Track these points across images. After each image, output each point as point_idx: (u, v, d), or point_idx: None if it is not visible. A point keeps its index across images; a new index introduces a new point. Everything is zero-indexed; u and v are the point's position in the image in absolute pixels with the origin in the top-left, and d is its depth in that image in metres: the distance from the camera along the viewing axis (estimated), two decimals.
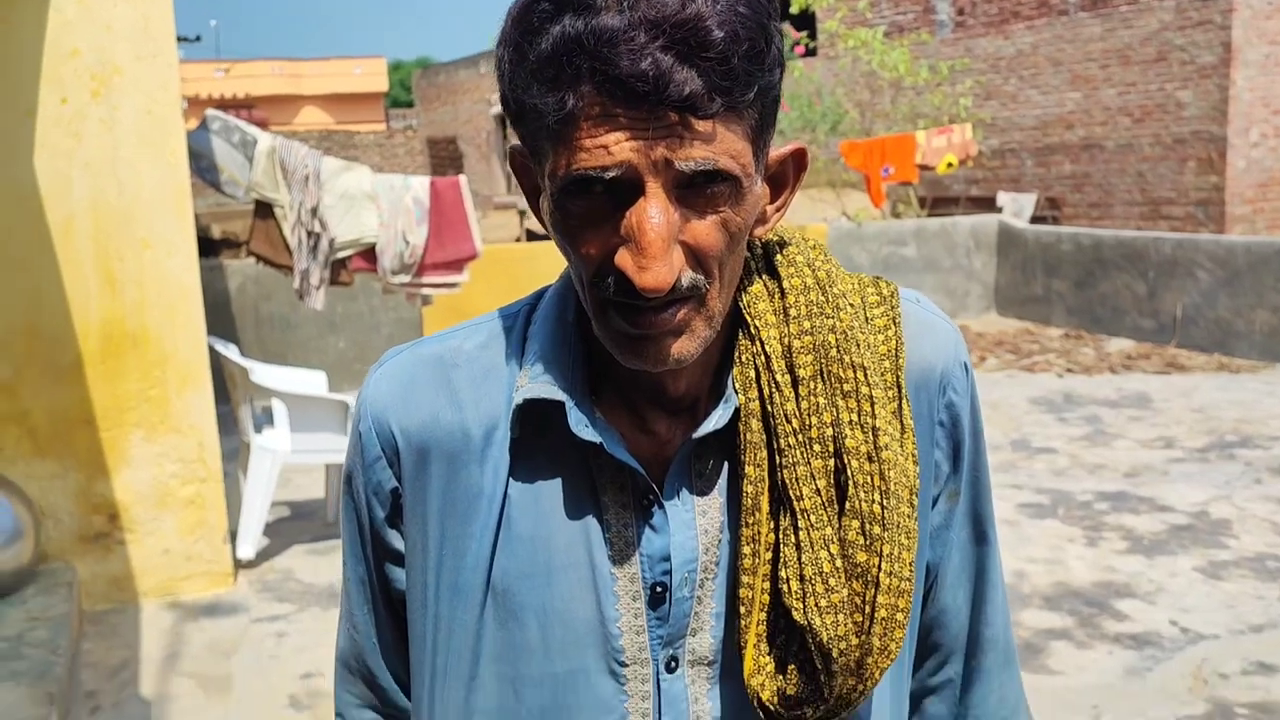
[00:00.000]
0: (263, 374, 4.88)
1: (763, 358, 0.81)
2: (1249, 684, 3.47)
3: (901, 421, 0.83)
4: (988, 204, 14.06)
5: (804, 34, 15.26)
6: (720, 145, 0.71)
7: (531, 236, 13.24)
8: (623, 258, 0.72)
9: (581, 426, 0.80)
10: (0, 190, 3.98)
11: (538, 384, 0.82)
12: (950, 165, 11.03)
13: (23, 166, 3.98)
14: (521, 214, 15.04)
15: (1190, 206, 13.48)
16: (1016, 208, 13.36)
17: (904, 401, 0.83)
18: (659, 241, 0.71)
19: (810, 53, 16.73)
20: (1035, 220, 13.24)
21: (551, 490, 0.84)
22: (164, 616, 4.19)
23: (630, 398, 0.84)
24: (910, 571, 0.80)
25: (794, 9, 14.44)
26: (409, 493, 0.87)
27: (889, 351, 0.84)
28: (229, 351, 4.99)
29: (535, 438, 0.84)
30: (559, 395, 0.81)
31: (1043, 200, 14.51)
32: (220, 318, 7.57)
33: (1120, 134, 14.22)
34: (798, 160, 0.83)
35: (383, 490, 0.88)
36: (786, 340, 0.81)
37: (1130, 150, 14.10)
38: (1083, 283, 10.09)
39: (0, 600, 3.80)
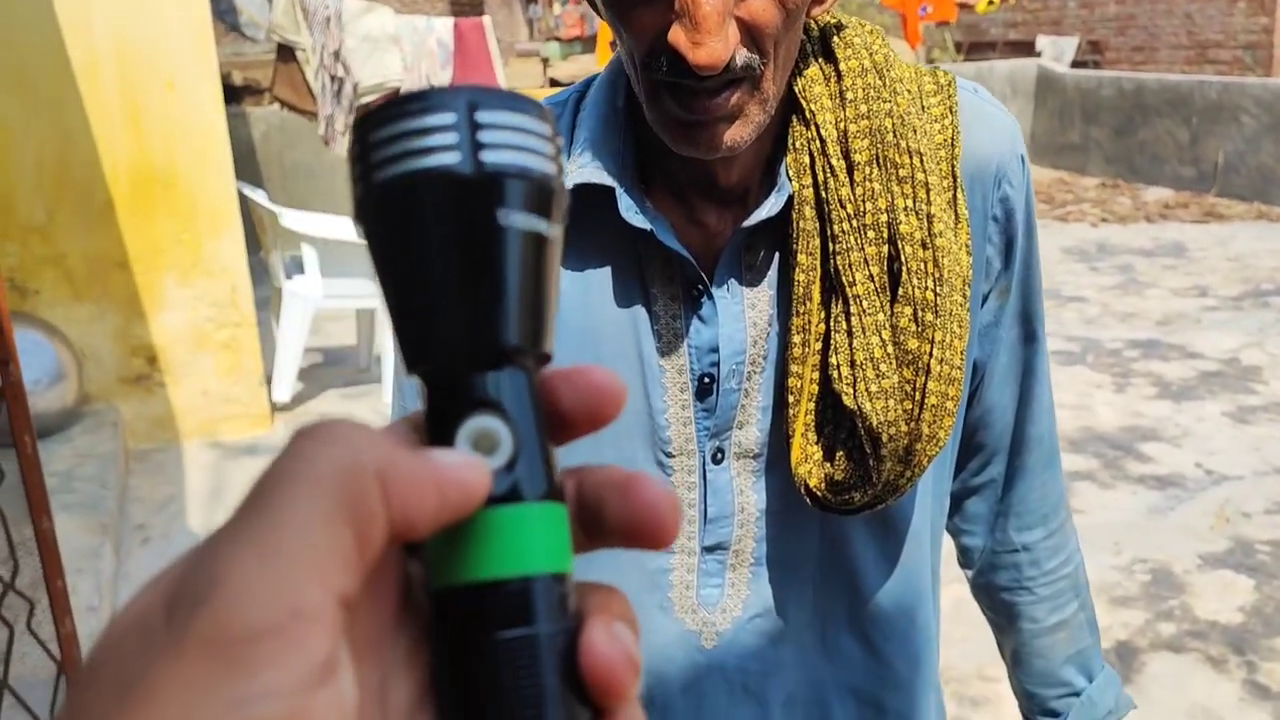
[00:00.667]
0: (292, 219, 4.87)
1: (818, 143, 0.79)
2: (1272, 523, 3.52)
3: (956, 211, 0.81)
4: (1026, 48, 13.59)
5: None
6: None
7: (555, 85, 12.96)
8: (676, 34, 0.70)
9: (631, 213, 0.79)
10: (24, 29, 3.91)
11: (587, 169, 0.81)
12: (991, 3, 10.62)
13: (44, 5, 3.90)
14: (544, 61, 14.69)
15: (1238, 50, 12.98)
16: (1056, 52, 12.90)
17: (959, 191, 0.81)
18: (714, 15, 0.68)
19: None
20: (1076, 65, 12.80)
21: (600, 281, 0.83)
22: (206, 455, 4.31)
23: (680, 188, 0.83)
24: (961, 360, 0.79)
25: None
26: None
27: (945, 140, 0.82)
28: (257, 196, 4.98)
29: (584, 226, 0.82)
30: (609, 180, 0.80)
31: (1084, 44, 14.00)
32: (245, 166, 7.52)
33: None
34: None
35: None
36: (842, 125, 0.79)
37: None
38: (1122, 130, 9.82)
39: (48, 438, 3.91)
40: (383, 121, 0.28)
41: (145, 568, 3.41)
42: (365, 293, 4.92)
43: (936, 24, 11.05)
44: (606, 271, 0.83)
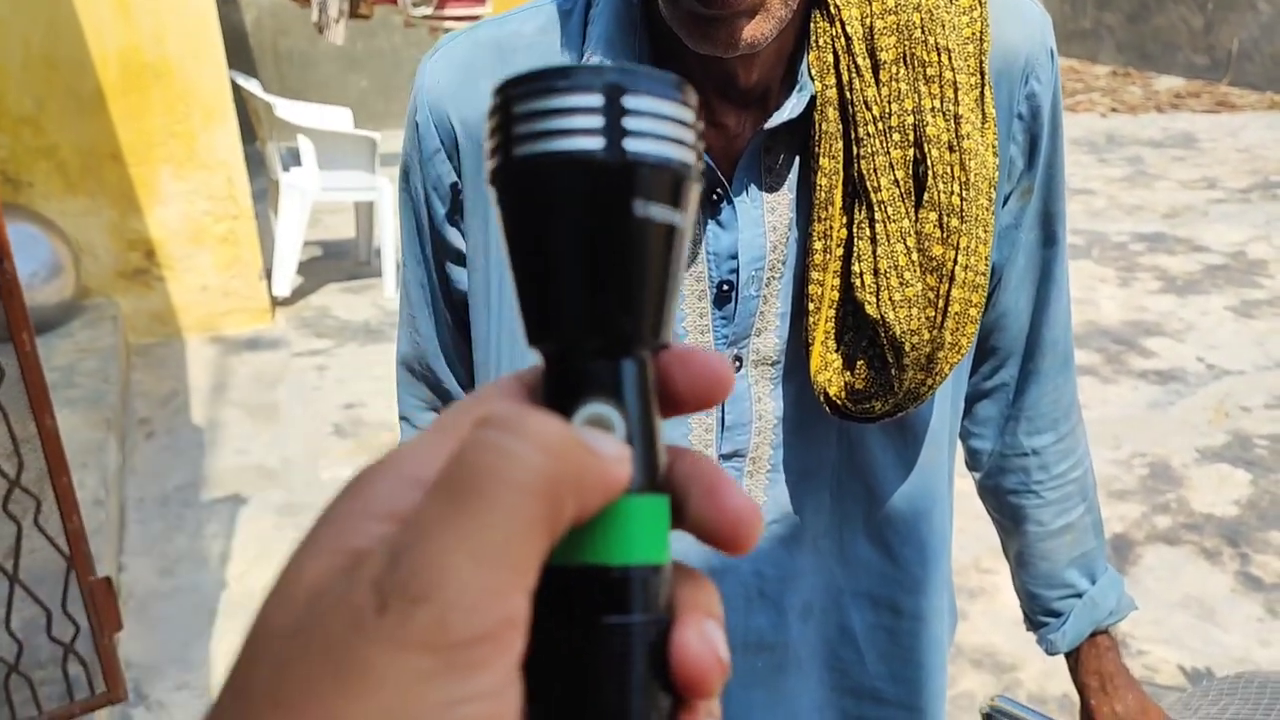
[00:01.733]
0: (287, 110, 4.77)
1: (842, 40, 0.75)
2: (1271, 417, 3.54)
3: (984, 110, 0.78)
4: None
5: None
6: None
7: None
8: None
9: None
10: None
11: None
12: None
13: None
14: None
15: None
16: None
17: (986, 88, 0.78)
18: None
19: None
20: None
21: None
22: (208, 350, 4.31)
23: (698, 88, 0.79)
24: (986, 265, 0.77)
25: None
26: (470, 188, 0.84)
27: (973, 35, 0.78)
28: (251, 86, 4.87)
29: None
30: None
31: None
32: (237, 53, 7.35)
33: None
34: None
35: (442, 185, 0.85)
36: (869, 21, 0.75)
37: None
38: (1135, 15, 9.58)
39: (47, 333, 3.90)
40: (528, 94, 0.28)
41: (150, 461, 3.44)
42: (363, 185, 4.85)
43: None
44: None
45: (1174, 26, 9.24)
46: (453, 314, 0.92)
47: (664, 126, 0.28)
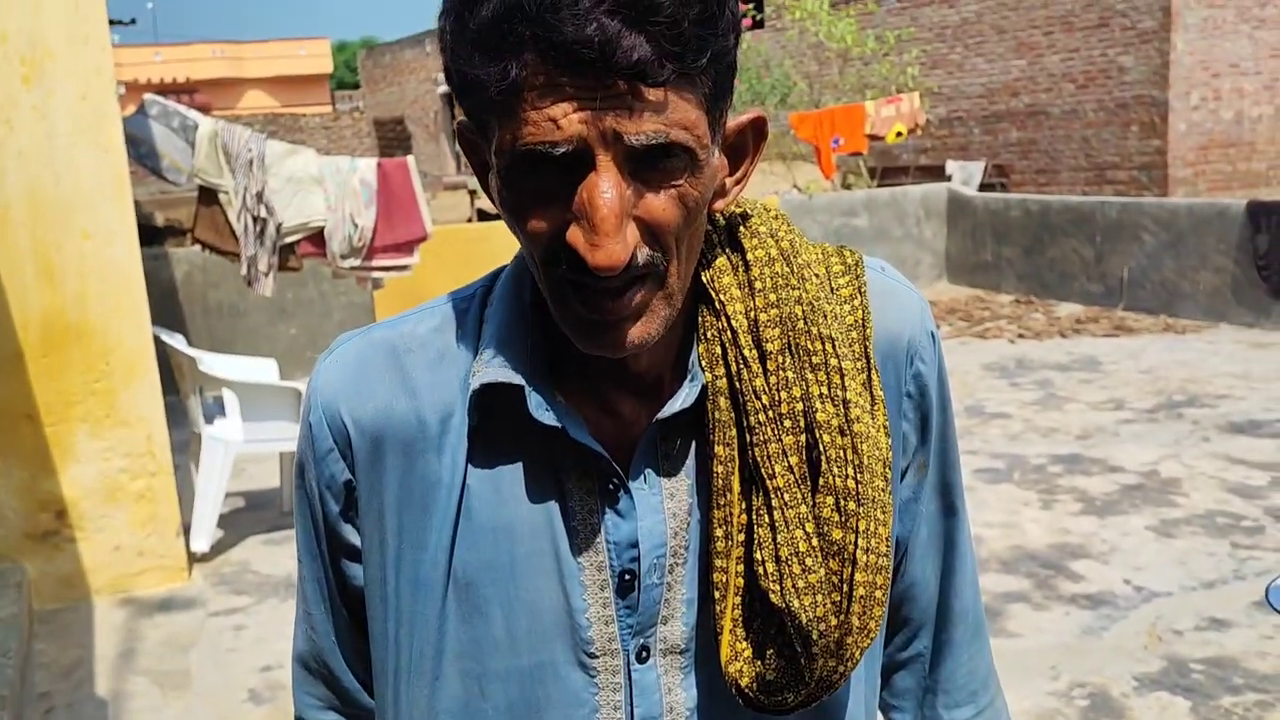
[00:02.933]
0: (212, 363, 4.79)
1: (729, 333, 0.78)
2: (1203, 639, 3.54)
3: (871, 393, 0.81)
4: (937, 173, 14.16)
5: (750, 6, 15.25)
6: (673, 115, 0.68)
7: (483, 216, 13.12)
8: (574, 235, 0.69)
9: (541, 410, 0.77)
10: None
11: (494, 367, 0.79)
12: (899, 135, 11.07)
13: None
14: (472, 194, 14.90)
15: (1134, 170, 13.66)
16: (965, 176, 13.46)
17: (873, 372, 0.81)
18: (611, 218, 0.67)
19: (758, 25, 16.71)
20: (984, 188, 13.35)
21: (513, 477, 0.81)
22: (117, 614, 4.12)
23: (592, 379, 0.81)
24: (887, 547, 0.78)
25: None
26: (364, 485, 0.84)
27: (856, 322, 0.82)
28: (175, 341, 4.89)
29: (494, 423, 0.81)
30: (517, 378, 0.78)
31: (990, 168, 14.64)
32: (167, 307, 7.42)
33: (1065, 100, 14.36)
34: (757, 129, 0.80)
35: (336, 483, 0.85)
36: (753, 314, 0.79)
37: (1075, 116, 14.25)
38: (1032, 249, 10.19)
39: None
40: None
41: None
42: (288, 435, 4.81)
43: (849, 154, 11.47)
44: (519, 469, 0.81)
45: (1068, 257, 9.84)
46: (349, 610, 0.90)
47: None
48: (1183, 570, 4.09)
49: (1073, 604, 3.86)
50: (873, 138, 10.96)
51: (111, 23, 4.41)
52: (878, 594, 0.77)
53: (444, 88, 25.34)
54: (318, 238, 5.79)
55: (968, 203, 10.91)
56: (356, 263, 5.92)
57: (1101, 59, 13.83)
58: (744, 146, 0.80)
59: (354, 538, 0.86)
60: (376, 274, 6.02)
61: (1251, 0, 13.56)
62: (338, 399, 0.83)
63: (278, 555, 4.68)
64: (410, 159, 6.15)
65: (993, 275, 10.58)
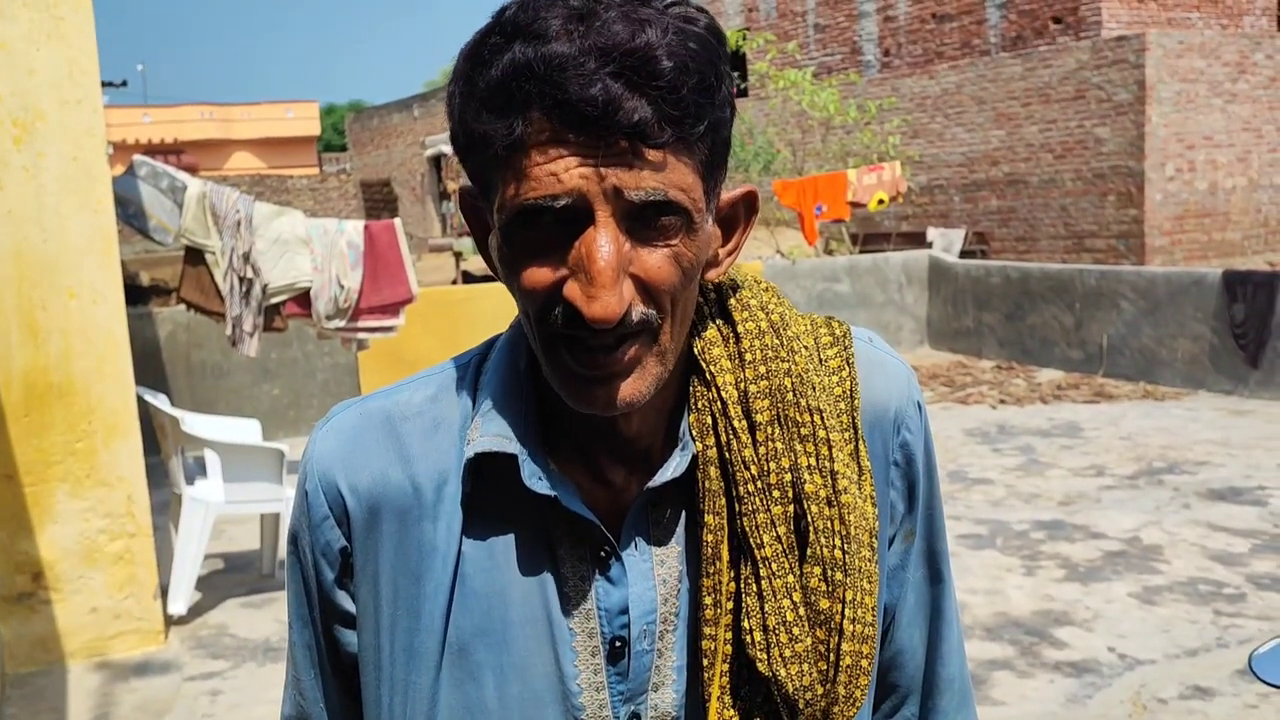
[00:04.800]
0: (194, 423, 4.77)
1: (719, 404, 0.80)
2: (1186, 708, 3.53)
3: (859, 463, 0.82)
4: (918, 239, 14.34)
5: (735, 75, 15.52)
6: (670, 176, 0.71)
7: (468, 279, 13.18)
8: (571, 288, 0.71)
9: (535, 479, 0.79)
10: None
11: (489, 436, 0.80)
12: (881, 202, 11.24)
13: None
14: (458, 255, 14.98)
15: (1112, 239, 13.88)
16: (946, 243, 13.63)
17: (860, 443, 0.83)
18: (609, 270, 0.70)
19: (741, 94, 17.00)
20: (964, 255, 13.52)
21: (506, 545, 0.82)
22: (92, 678, 4.05)
23: (585, 447, 0.83)
24: (873, 617, 0.79)
25: None
26: (359, 553, 0.85)
27: (844, 393, 0.84)
28: (158, 401, 4.87)
29: (488, 491, 0.82)
30: (511, 448, 0.80)
31: (971, 235, 14.84)
32: (150, 367, 7.40)
33: (1043, 170, 14.62)
34: (749, 203, 0.83)
35: (331, 550, 0.86)
36: (743, 385, 0.81)
37: (1053, 185, 14.50)
38: (1012, 315, 10.30)
39: None
40: None
41: None
42: (269, 496, 4.79)
43: (832, 221, 11.62)
44: (511, 537, 0.82)
45: (1048, 324, 9.95)
46: (339, 676, 0.90)
47: None
48: (1166, 638, 4.09)
49: (1057, 671, 3.85)
50: (855, 205, 11.12)
51: (102, 84, 4.47)
52: (864, 663, 0.78)
53: (431, 151, 25.60)
54: (303, 298, 5.81)
55: (949, 269, 11.04)
56: (342, 324, 5.94)
57: (1079, 130, 14.11)
58: (736, 219, 0.83)
59: (348, 604, 0.87)
60: (362, 335, 6.04)
61: (1223, 75, 13.91)
62: (334, 467, 0.85)
63: (256, 618, 4.63)
64: (397, 221, 6.21)
65: (974, 341, 10.68)
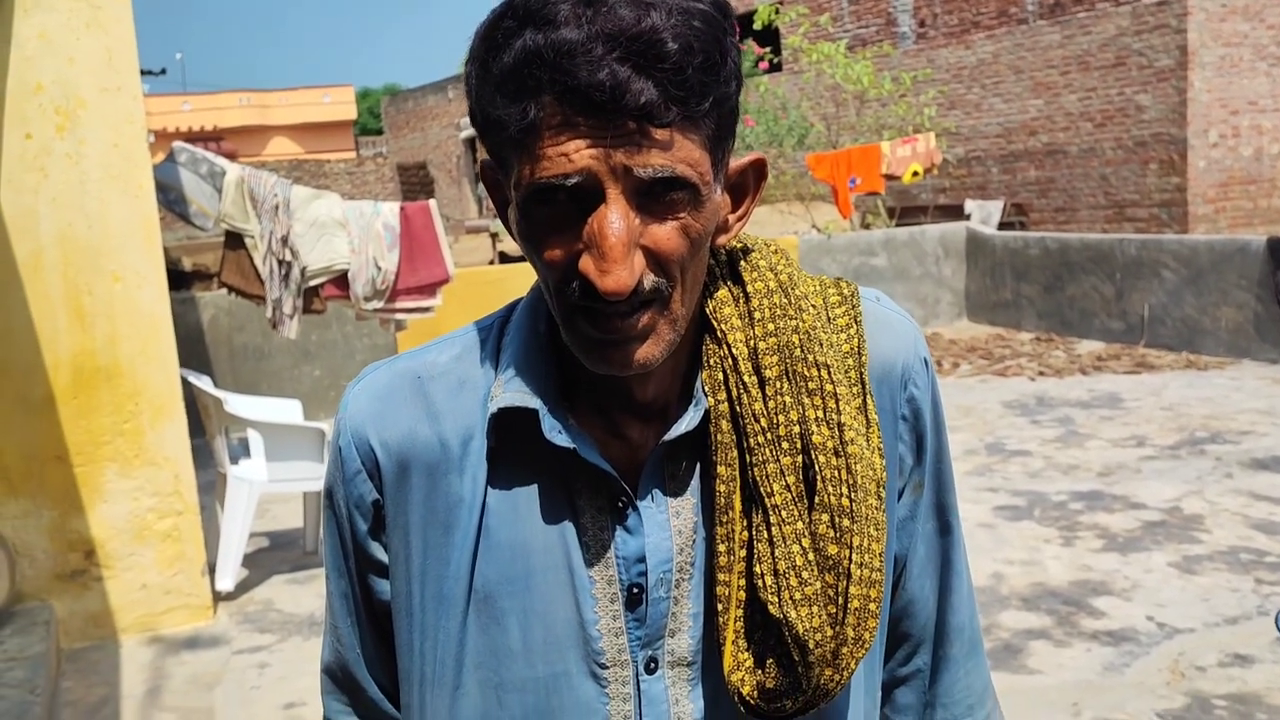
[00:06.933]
0: (237, 404, 4.86)
1: (730, 361, 0.83)
2: (1226, 675, 3.52)
3: (866, 416, 0.85)
4: (955, 212, 14.21)
5: (768, 50, 15.41)
6: (678, 153, 0.74)
7: (504, 259, 13.24)
8: (585, 263, 0.75)
9: (555, 433, 0.83)
10: None
11: (511, 393, 0.84)
12: (916, 174, 11.14)
13: None
14: (494, 237, 15.04)
15: (1154, 208, 13.67)
16: (984, 215, 13.50)
17: (868, 397, 0.86)
18: (619, 246, 0.73)
19: (775, 68, 16.88)
20: (1003, 226, 13.38)
21: (529, 496, 0.86)
22: (144, 652, 4.16)
23: (602, 404, 0.87)
24: (880, 562, 0.82)
25: (757, 25, 14.60)
26: (390, 504, 0.89)
27: (851, 349, 0.87)
28: (202, 383, 4.97)
29: (511, 446, 0.86)
30: (533, 403, 0.84)
31: (1009, 207, 14.68)
32: (193, 350, 7.53)
33: (1082, 139, 14.41)
34: (757, 170, 0.86)
35: (364, 503, 0.90)
36: (752, 343, 0.84)
37: (1093, 155, 14.30)
38: (1051, 286, 10.20)
39: None
40: None
41: None
42: (312, 475, 4.87)
43: (866, 194, 11.55)
44: (534, 488, 0.86)
45: (1088, 295, 9.84)
46: (374, 624, 0.95)
47: None
48: (1205, 607, 4.07)
49: (1094, 640, 3.85)
50: (889, 177, 11.04)
51: (142, 73, 4.54)
52: (871, 606, 0.81)
53: (466, 133, 25.69)
54: (341, 280, 5.88)
55: (987, 241, 10.94)
56: (380, 305, 6.00)
57: (1119, 98, 13.89)
58: (745, 186, 0.86)
59: (381, 555, 0.91)
60: (399, 316, 6.11)
61: (1268, 38, 13.62)
62: (366, 424, 0.89)
63: (301, 594, 4.72)
64: (432, 203, 6.26)
65: (1013, 313, 10.59)
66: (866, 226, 12.91)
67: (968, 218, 13.12)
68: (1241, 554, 4.57)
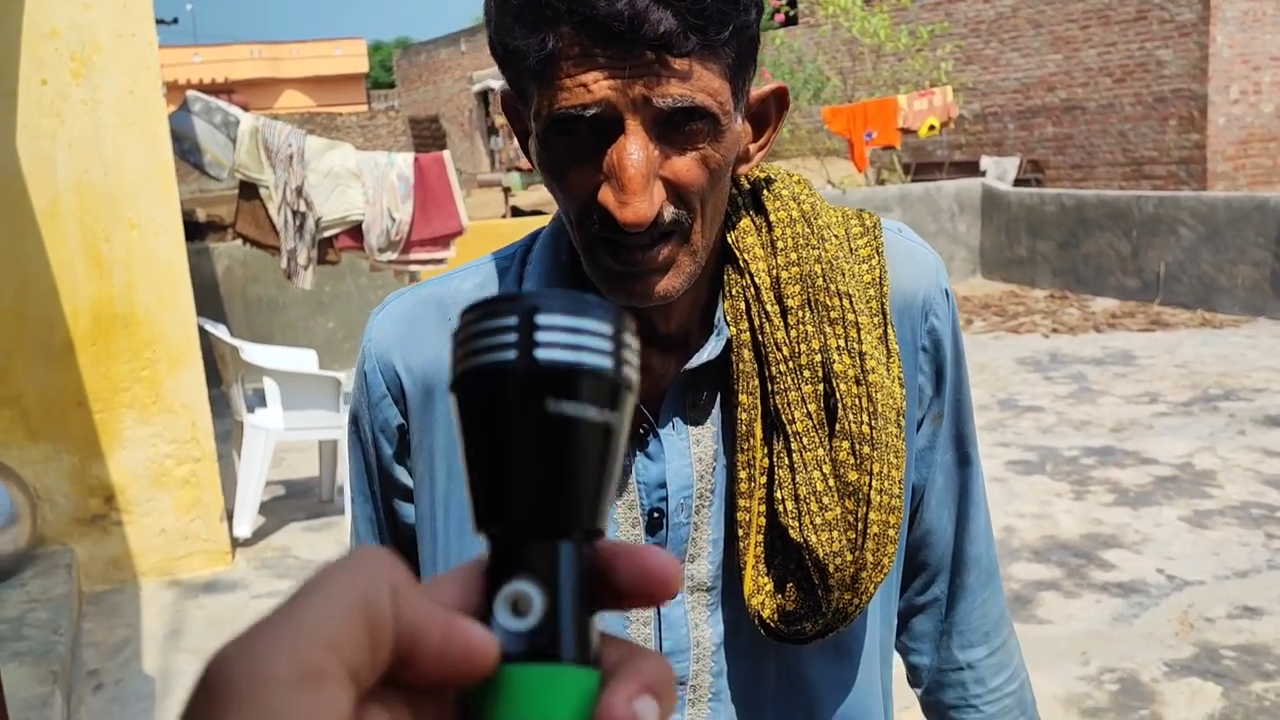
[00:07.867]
0: (254, 353, 4.89)
1: (752, 290, 0.84)
2: (1234, 627, 3.54)
3: (887, 346, 0.86)
4: (971, 168, 14.10)
5: (784, 2, 15.23)
6: (697, 83, 0.73)
7: (517, 213, 13.21)
8: (605, 194, 0.75)
9: None
10: None
11: None
12: (932, 128, 11.05)
13: (5, 149, 3.97)
14: (506, 191, 15.00)
15: (1172, 165, 13.53)
16: (1000, 171, 13.39)
17: (889, 327, 0.87)
18: (638, 177, 0.73)
19: (791, 21, 16.70)
20: (1019, 183, 13.28)
21: None
22: (163, 595, 4.23)
23: None
24: (899, 489, 0.83)
25: None
26: (416, 428, 0.90)
27: (873, 280, 0.87)
28: (219, 331, 5.00)
29: None
30: None
31: (1026, 163, 14.55)
32: (208, 301, 7.56)
33: (1101, 95, 14.24)
34: (779, 99, 0.86)
35: (389, 427, 0.91)
36: (774, 272, 0.84)
37: (1111, 110, 14.13)
38: (1066, 244, 10.14)
39: (0, 584, 3.83)
40: (471, 320, 0.33)
41: (96, 715, 3.31)
42: (327, 424, 4.91)
43: (882, 148, 11.45)
44: None
45: (1103, 252, 9.78)
46: (399, 546, 0.96)
47: (573, 337, 0.32)
48: (1215, 560, 4.09)
49: (1104, 592, 3.87)
50: (905, 131, 10.95)
51: (155, 21, 4.53)
52: (890, 532, 0.83)
53: (479, 86, 25.50)
54: (356, 231, 5.89)
55: (1002, 198, 10.86)
56: (394, 256, 6.01)
57: (1139, 53, 13.70)
58: (766, 115, 0.86)
59: (406, 479, 0.93)
60: (413, 267, 6.11)
61: None
62: (390, 349, 0.90)
63: (317, 541, 4.78)
64: (446, 154, 6.24)
65: (1027, 270, 10.54)
66: (882, 182, 12.83)
67: (983, 174, 13.02)
68: (1253, 509, 4.58)
